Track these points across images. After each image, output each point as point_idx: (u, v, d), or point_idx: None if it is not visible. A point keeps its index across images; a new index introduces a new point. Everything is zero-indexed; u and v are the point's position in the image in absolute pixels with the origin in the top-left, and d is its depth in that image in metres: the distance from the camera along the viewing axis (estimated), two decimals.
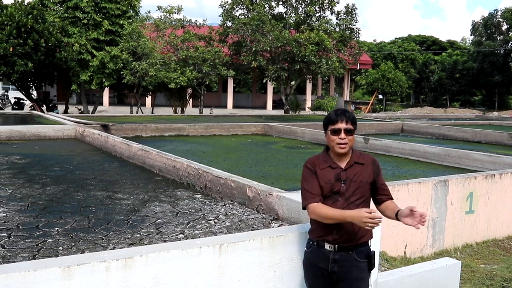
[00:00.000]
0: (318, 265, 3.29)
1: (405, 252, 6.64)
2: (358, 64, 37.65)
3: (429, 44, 63.13)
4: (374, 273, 3.99)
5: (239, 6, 26.75)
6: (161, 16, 24.65)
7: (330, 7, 27.48)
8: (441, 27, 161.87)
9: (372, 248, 3.33)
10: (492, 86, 49.84)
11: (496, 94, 50.61)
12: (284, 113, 27.45)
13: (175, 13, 24.75)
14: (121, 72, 21.28)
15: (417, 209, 3.14)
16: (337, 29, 27.52)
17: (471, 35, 56.82)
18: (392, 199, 3.37)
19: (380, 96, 42.94)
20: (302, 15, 27.74)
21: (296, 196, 4.68)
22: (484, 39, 52.54)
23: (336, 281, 3.27)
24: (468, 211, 7.34)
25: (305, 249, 3.44)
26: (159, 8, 24.60)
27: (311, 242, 3.38)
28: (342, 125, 3.23)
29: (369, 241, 3.34)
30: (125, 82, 21.42)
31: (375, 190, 3.34)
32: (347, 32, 27.30)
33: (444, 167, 9.86)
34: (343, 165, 3.29)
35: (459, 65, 53.05)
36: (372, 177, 3.30)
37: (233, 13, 26.61)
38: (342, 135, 3.22)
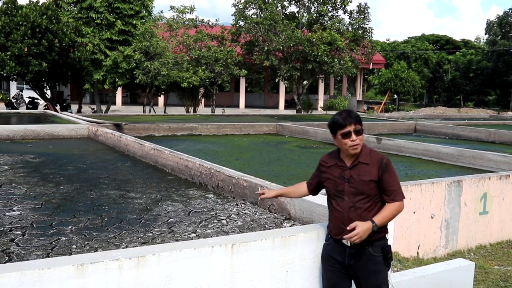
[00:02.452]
0: (335, 258, 3.38)
1: (418, 252, 6.60)
2: (371, 64, 37.47)
3: (443, 44, 62.60)
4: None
5: (251, 6, 26.74)
6: (173, 16, 24.73)
7: (343, 6, 27.36)
8: (455, 26, 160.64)
9: (388, 242, 3.37)
10: (507, 86, 49.28)
11: (511, 94, 50.06)
12: (296, 112, 27.40)
13: (188, 13, 24.81)
14: (134, 72, 21.39)
15: (354, 230, 3.20)
16: (350, 28, 27.40)
17: (485, 34, 56.30)
18: (396, 201, 3.28)
19: (395, 96, 42.65)
20: (315, 14, 27.67)
21: (308, 196, 4.67)
22: (499, 38, 51.98)
23: (354, 274, 3.35)
24: (482, 212, 7.26)
25: (324, 242, 3.53)
26: (172, 8, 24.68)
27: (329, 236, 3.48)
28: (351, 128, 3.27)
29: (386, 235, 3.38)
30: (138, 81, 21.53)
31: (380, 189, 3.30)
32: (360, 32, 27.16)
33: (457, 168, 9.78)
34: (349, 163, 3.34)
35: (473, 64, 52.52)
36: (376, 176, 3.27)
37: (246, 12, 26.60)
38: (353, 136, 3.28)
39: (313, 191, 3.74)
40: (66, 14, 21.38)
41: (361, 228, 3.18)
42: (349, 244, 3.30)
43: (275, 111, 31.38)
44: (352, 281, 3.43)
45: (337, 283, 3.43)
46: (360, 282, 3.35)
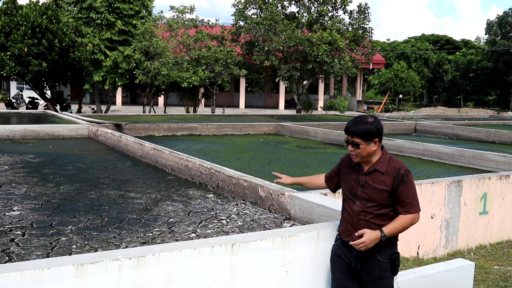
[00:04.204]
0: (344, 259, 3.38)
1: (417, 252, 6.60)
2: (371, 64, 37.47)
3: (443, 44, 62.56)
4: None
5: (251, 6, 26.76)
6: (173, 16, 24.74)
7: (343, 6, 27.39)
8: (455, 26, 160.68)
9: (397, 250, 3.34)
10: (507, 86, 49.29)
11: (510, 94, 50.06)
12: (296, 112, 27.40)
13: (188, 13, 24.83)
14: (134, 72, 21.40)
15: (362, 237, 3.19)
16: (350, 28, 27.42)
17: (485, 34, 56.29)
18: (410, 213, 3.23)
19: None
20: (315, 14, 27.68)
21: (308, 196, 4.67)
22: (498, 38, 51.99)
23: (359, 278, 3.34)
24: (482, 212, 7.26)
25: (333, 242, 3.54)
26: (172, 8, 24.70)
27: (338, 237, 3.48)
28: (349, 138, 3.29)
29: (395, 242, 3.35)
30: (138, 81, 21.55)
31: (394, 199, 3.25)
32: (360, 32, 27.17)
33: (457, 168, 9.78)
34: (365, 168, 3.31)
35: (473, 64, 52.50)
36: (390, 187, 3.21)
37: (246, 12, 26.62)
38: (350, 147, 3.30)
39: (334, 189, 3.73)
40: (66, 14, 21.40)
41: (368, 237, 3.15)
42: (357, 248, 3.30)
43: (275, 111, 31.39)
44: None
45: (346, 284, 3.40)
46: (365, 285, 3.34)
